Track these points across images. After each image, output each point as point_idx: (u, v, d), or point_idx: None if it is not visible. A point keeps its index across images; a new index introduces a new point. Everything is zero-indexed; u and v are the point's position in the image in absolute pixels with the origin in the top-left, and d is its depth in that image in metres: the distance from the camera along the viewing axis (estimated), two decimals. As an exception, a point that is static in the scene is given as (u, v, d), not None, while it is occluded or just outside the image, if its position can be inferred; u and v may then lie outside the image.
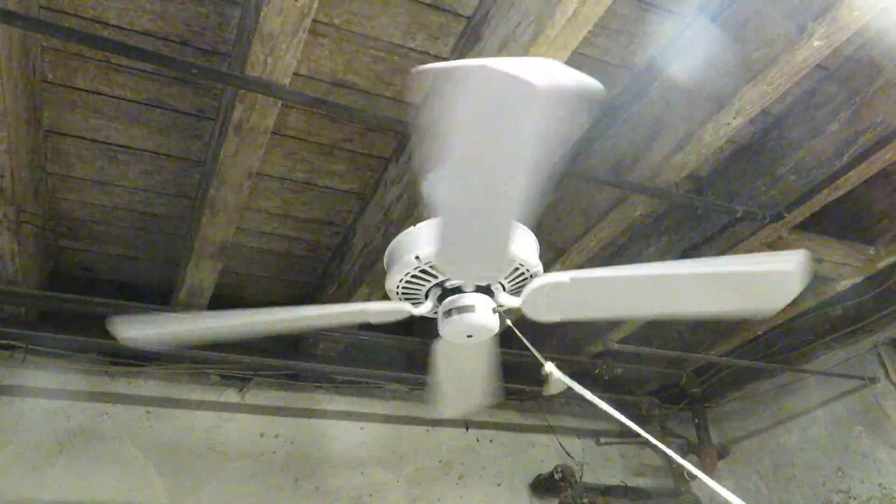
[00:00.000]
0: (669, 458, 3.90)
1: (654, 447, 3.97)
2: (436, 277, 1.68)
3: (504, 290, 1.72)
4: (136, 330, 1.79)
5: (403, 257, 1.67)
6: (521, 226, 1.70)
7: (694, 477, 3.82)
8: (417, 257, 1.66)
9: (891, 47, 2.01)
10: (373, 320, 1.80)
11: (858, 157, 2.20)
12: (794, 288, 1.50)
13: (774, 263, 1.52)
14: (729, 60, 1.94)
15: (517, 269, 1.66)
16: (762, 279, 1.56)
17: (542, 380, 1.74)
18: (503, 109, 1.05)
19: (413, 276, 1.68)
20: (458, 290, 1.69)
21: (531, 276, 1.68)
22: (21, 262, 2.48)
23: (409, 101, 2.17)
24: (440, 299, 1.72)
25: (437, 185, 1.90)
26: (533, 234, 1.69)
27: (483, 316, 1.65)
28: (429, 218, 1.75)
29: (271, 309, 1.71)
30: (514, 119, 1.07)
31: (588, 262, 2.88)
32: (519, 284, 1.72)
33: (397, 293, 1.80)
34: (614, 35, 2.03)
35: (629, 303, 1.77)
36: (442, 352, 1.92)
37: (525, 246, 1.67)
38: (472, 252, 1.52)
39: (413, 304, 1.82)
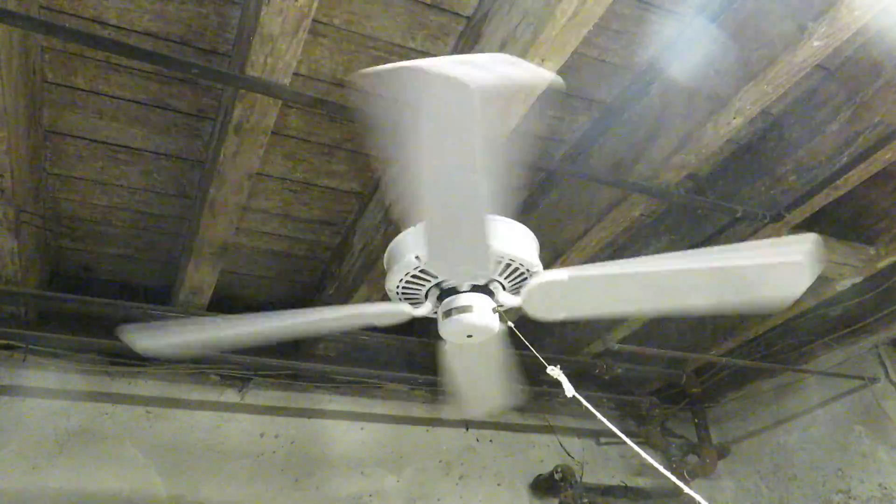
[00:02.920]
0: (669, 459, 3.91)
1: (651, 450, 3.98)
2: (436, 277, 1.68)
3: (504, 289, 1.72)
4: (150, 339, 1.77)
5: (403, 257, 1.67)
6: (518, 224, 1.71)
7: (693, 477, 3.83)
8: (417, 257, 1.66)
9: (891, 47, 2.01)
10: (373, 323, 1.80)
11: (858, 157, 2.20)
12: (805, 279, 1.41)
13: (782, 255, 1.42)
14: (729, 60, 1.94)
15: (516, 267, 1.65)
16: (770, 271, 1.46)
17: (542, 380, 1.74)
18: (444, 110, 1.06)
19: (413, 277, 1.68)
20: (456, 290, 1.69)
21: (530, 275, 1.68)
22: (21, 262, 2.48)
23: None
24: (440, 299, 1.72)
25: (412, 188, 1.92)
26: (531, 233, 1.69)
27: (481, 315, 1.64)
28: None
29: (278, 313, 1.71)
30: (456, 119, 1.07)
31: (588, 263, 2.88)
32: (518, 283, 1.71)
33: (397, 293, 1.80)
34: (614, 35, 2.03)
35: (631, 299, 1.73)
36: (450, 352, 1.91)
37: (521, 244, 1.67)
38: (455, 251, 1.52)
39: (413, 304, 1.82)
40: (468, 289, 1.67)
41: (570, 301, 1.69)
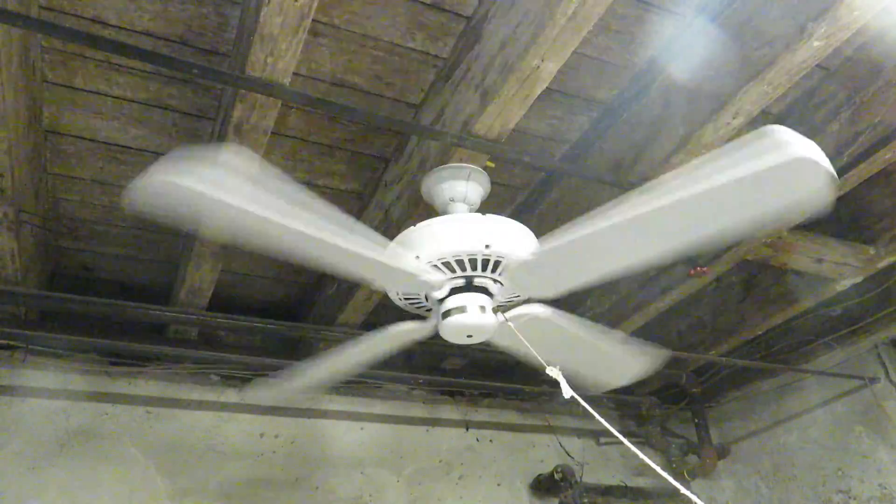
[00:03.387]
0: (669, 459, 3.91)
1: (651, 450, 3.98)
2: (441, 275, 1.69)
3: (494, 282, 1.72)
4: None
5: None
6: (501, 217, 1.71)
7: (693, 477, 3.83)
8: (418, 257, 1.66)
9: (891, 47, 2.01)
10: (401, 341, 1.80)
11: (858, 157, 2.20)
12: (824, 178, 1.16)
13: (776, 153, 1.15)
14: (729, 60, 1.94)
15: (497, 260, 1.65)
16: (766, 175, 1.18)
17: (542, 380, 1.75)
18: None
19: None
20: (457, 290, 1.69)
21: (504, 260, 1.68)
22: (21, 262, 2.48)
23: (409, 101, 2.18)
24: (440, 300, 1.72)
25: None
26: (514, 222, 1.72)
27: (475, 315, 1.64)
28: (429, 218, 1.75)
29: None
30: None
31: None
32: (500, 272, 1.72)
33: (397, 293, 1.80)
34: (614, 35, 2.03)
35: (621, 254, 1.53)
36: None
37: (498, 235, 1.68)
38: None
39: (413, 305, 1.83)
40: (474, 289, 1.67)
41: (556, 275, 1.65)
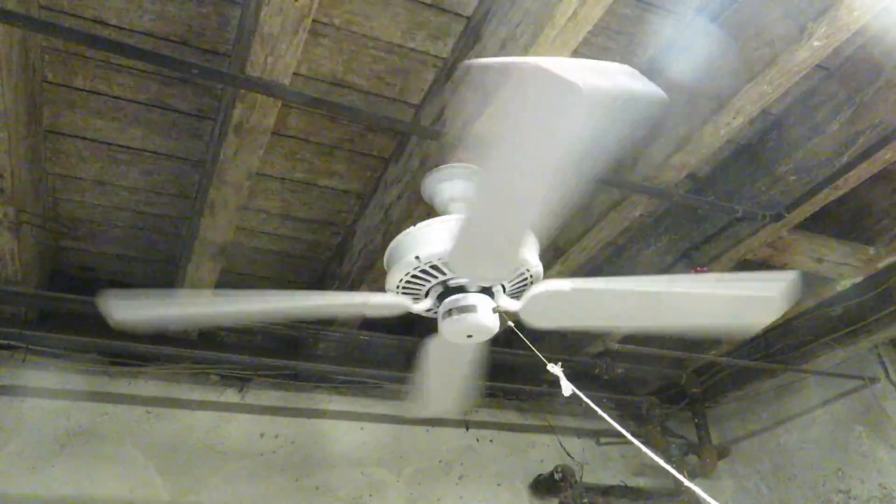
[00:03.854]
0: (669, 459, 3.90)
1: (651, 449, 3.98)
2: (436, 277, 1.68)
3: (504, 291, 1.72)
4: (130, 311, 1.62)
5: (403, 257, 1.68)
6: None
7: (693, 477, 3.83)
8: (417, 257, 1.66)
9: (891, 47, 2.01)
10: (372, 313, 1.80)
11: (858, 157, 2.20)
12: (776, 311, 1.65)
13: (761, 289, 1.63)
14: (729, 60, 1.94)
15: (523, 275, 1.66)
16: (749, 301, 1.68)
17: (542, 380, 1.75)
18: (547, 109, 1.03)
19: (413, 276, 1.69)
20: (459, 289, 1.69)
21: (531, 279, 1.68)
22: (21, 262, 2.48)
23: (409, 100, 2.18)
24: (440, 298, 1.72)
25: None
26: (534, 236, 1.69)
27: (484, 316, 1.65)
28: (429, 218, 1.75)
29: (271, 293, 1.70)
30: (554, 120, 1.04)
31: (588, 262, 2.88)
32: (519, 287, 1.72)
33: (397, 293, 1.80)
34: (614, 35, 2.03)
35: (622, 314, 1.82)
36: (433, 351, 1.92)
37: (533, 252, 1.68)
38: (486, 253, 1.52)
39: (413, 301, 1.83)
40: (476, 289, 1.67)
41: (565, 311, 1.70)
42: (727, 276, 1.76)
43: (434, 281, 1.69)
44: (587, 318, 1.85)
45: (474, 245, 1.49)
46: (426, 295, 1.75)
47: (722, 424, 4.24)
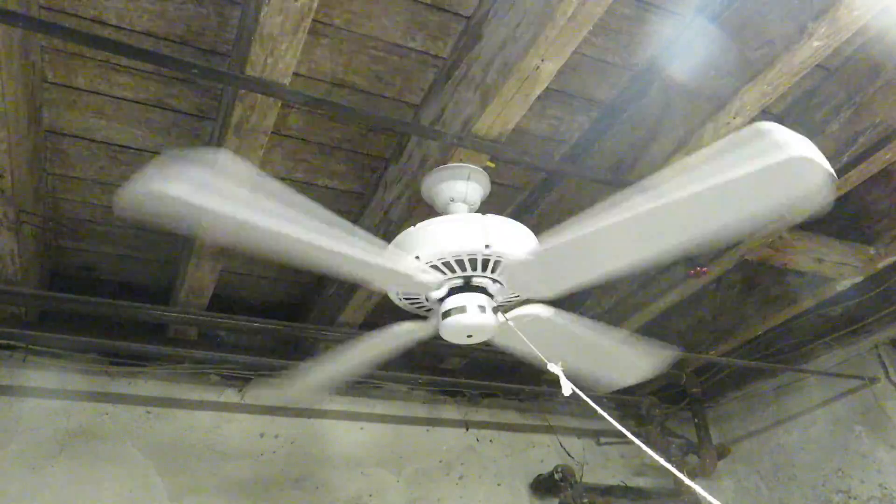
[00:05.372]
0: (669, 459, 3.90)
1: (651, 449, 3.98)
2: (446, 275, 1.69)
3: (493, 282, 1.72)
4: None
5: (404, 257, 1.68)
6: (501, 217, 1.72)
7: (693, 477, 3.83)
8: (417, 257, 1.66)
9: (891, 47, 2.01)
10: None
11: (858, 157, 2.20)
12: (822, 177, 1.16)
13: (774, 153, 1.14)
14: (729, 60, 1.94)
15: (497, 260, 1.65)
16: (772, 177, 1.17)
17: (543, 379, 1.75)
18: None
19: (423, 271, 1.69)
20: (454, 290, 1.70)
21: (502, 260, 1.68)
22: (21, 262, 2.48)
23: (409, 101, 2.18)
24: (440, 298, 1.72)
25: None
26: (514, 222, 1.73)
27: (475, 315, 1.64)
28: (429, 218, 1.75)
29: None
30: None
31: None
32: (499, 272, 1.72)
33: (397, 293, 1.80)
34: (614, 35, 2.03)
35: (621, 253, 1.53)
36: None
37: (498, 235, 1.68)
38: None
39: (414, 305, 1.83)
40: (474, 289, 1.68)
41: (556, 274, 1.65)
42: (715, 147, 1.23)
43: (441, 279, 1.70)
44: (582, 273, 1.62)
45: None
46: (426, 298, 1.76)
47: (722, 424, 4.24)
